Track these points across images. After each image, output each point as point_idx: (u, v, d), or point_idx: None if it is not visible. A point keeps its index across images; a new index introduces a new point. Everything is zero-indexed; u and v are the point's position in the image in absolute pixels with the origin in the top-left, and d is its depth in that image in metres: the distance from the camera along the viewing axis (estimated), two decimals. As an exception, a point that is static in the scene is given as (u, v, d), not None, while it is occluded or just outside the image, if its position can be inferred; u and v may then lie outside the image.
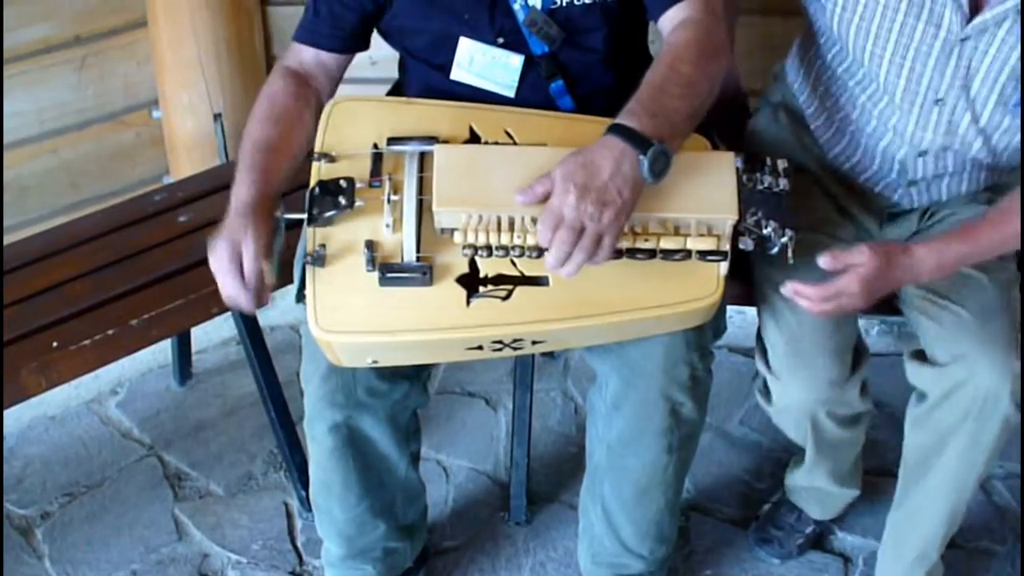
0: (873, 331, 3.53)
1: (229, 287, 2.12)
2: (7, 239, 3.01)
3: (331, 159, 2.20)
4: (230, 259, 2.11)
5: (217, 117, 3.27)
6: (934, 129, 2.35)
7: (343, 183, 2.15)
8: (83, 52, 3.19)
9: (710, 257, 2.11)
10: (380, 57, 3.08)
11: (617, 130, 2.04)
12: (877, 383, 3.34)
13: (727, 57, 2.33)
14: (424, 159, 2.17)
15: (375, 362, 2.23)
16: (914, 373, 2.42)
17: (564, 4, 2.30)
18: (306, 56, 2.42)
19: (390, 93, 2.58)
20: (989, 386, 2.27)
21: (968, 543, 2.88)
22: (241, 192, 2.18)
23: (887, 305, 2.51)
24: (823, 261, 2.12)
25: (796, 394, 2.43)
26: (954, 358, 2.31)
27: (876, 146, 2.46)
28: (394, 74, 2.62)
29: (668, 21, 2.27)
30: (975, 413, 2.30)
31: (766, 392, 2.51)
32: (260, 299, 2.13)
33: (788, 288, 2.16)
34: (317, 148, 2.21)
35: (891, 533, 2.62)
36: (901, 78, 2.32)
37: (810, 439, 2.59)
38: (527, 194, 2.04)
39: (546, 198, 2.02)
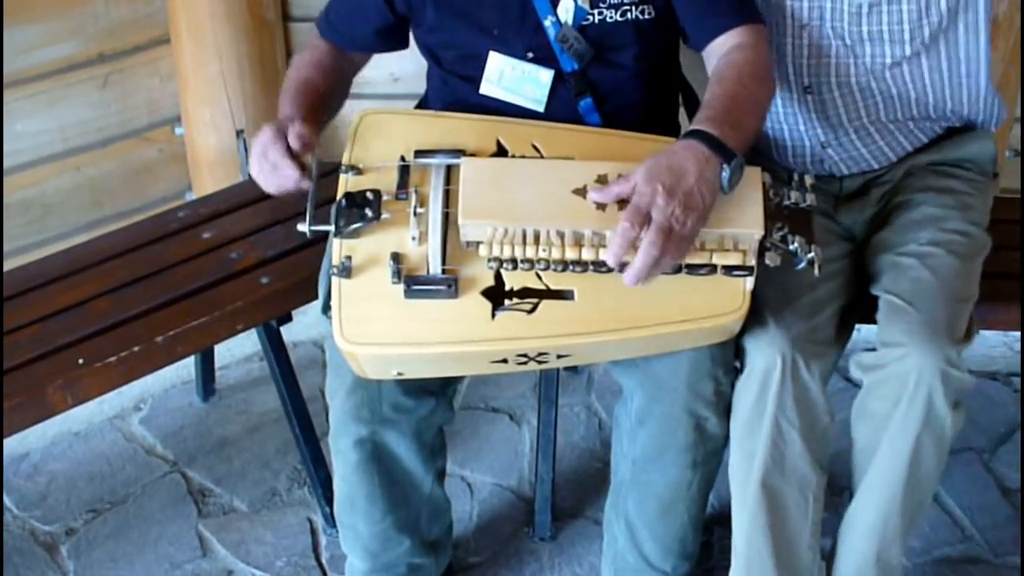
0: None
1: (273, 153, 2.17)
2: (31, 257, 3.02)
3: (358, 171, 2.20)
4: (275, 133, 2.18)
5: (239, 133, 3.28)
6: (807, 56, 2.45)
7: (370, 195, 2.16)
8: (106, 69, 3.20)
9: (736, 272, 2.11)
10: (403, 73, 3.11)
11: (700, 136, 2.04)
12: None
13: (776, 84, 2.36)
14: (451, 172, 2.18)
15: (400, 374, 2.23)
16: (851, 365, 2.39)
17: (596, 21, 2.31)
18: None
19: (417, 107, 2.59)
20: (916, 367, 2.23)
21: (996, 558, 2.87)
22: (285, 111, 2.28)
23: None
24: (592, 195, 2.08)
25: (769, 342, 2.28)
26: (884, 343, 2.30)
27: (776, 103, 2.53)
28: (417, 90, 2.63)
29: (719, 46, 2.30)
30: (904, 398, 2.26)
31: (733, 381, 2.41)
32: (303, 169, 2.17)
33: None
34: (344, 160, 2.22)
35: (836, 556, 2.56)
36: (768, 7, 2.44)
37: (768, 416, 2.34)
38: (603, 193, 2.05)
39: (620, 199, 2.03)
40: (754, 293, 2.16)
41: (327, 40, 2.51)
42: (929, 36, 2.43)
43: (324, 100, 2.38)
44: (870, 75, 2.46)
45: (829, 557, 2.58)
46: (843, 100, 2.50)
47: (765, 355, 2.28)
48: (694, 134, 2.06)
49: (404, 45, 2.52)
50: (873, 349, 2.34)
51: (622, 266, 2.01)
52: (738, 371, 2.37)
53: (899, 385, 2.26)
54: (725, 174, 2.02)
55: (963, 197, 2.52)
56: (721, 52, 2.29)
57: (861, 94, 2.49)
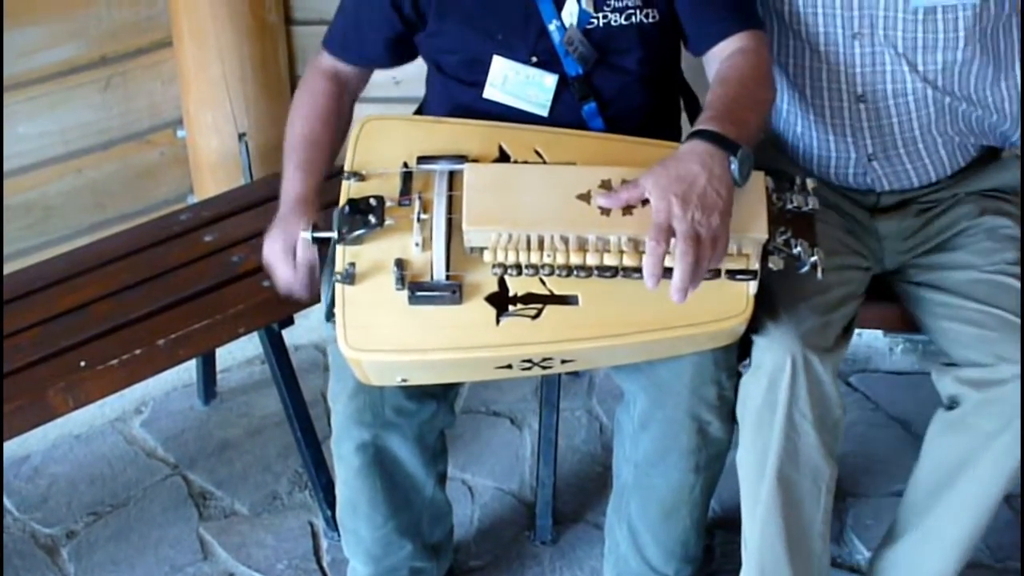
0: (897, 349, 3.52)
1: (283, 275, 2.30)
2: (33, 259, 3.01)
3: (361, 177, 2.20)
4: (284, 250, 2.28)
5: (241, 136, 3.28)
6: (859, 64, 2.44)
7: (373, 201, 2.15)
8: (108, 72, 3.20)
9: (739, 276, 2.10)
10: (404, 77, 3.10)
11: (701, 135, 2.05)
12: (900, 401, 3.36)
13: (776, 90, 2.36)
14: (454, 178, 2.17)
15: (404, 380, 2.23)
16: (948, 380, 2.36)
17: (600, 24, 2.32)
18: (337, 61, 2.51)
19: (416, 112, 2.59)
20: None
21: (997, 563, 2.87)
22: (292, 187, 2.35)
23: (910, 323, 2.53)
24: (600, 201, 2.07)
25: (780, 339, 2.28)
26: (998, 359, 2.27)
27: (824, 114, 2.53)
28: (418, 93, 2.63)
29: (721, 51, 2.30)
30: (1019, 416, 2.25)
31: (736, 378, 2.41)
32: (312, 286, 2.31)
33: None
34: (347, 166, 2.22)
35: (894, 568, 2.54)
36: (819, 18, 2.43)
37: (781, 410, 2.33)
38: (611, 199, 2.05)
39: (629, 205, 2.04)
40: (765, 289, 2.17)
41: (336, 58, 2.50)
42: (979, 38, 2.43)
43: (327, 154, 2.43)
44: (926, 83, 2.46)
45: (875, 561, 2.59)
46: (897, 109, 2.49)
47: (776, 351, 2.27)
48: (696, 135, 2.07)
49: (412, 57, 2.51)
50: (951, 364, 2.36)
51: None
52: (742, 371, 2.37)
53: (1015, 402, 2.24)
54: (734, 166, 2.03)
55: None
56: (722, 57, 2.30)
57: (915, 104, 2.48)
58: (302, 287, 2.30)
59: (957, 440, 2.37)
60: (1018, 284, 2.36)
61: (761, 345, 2.30)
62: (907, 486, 2.50)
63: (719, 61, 2.29)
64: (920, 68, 2.44)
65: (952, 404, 2.37)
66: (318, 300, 2.41)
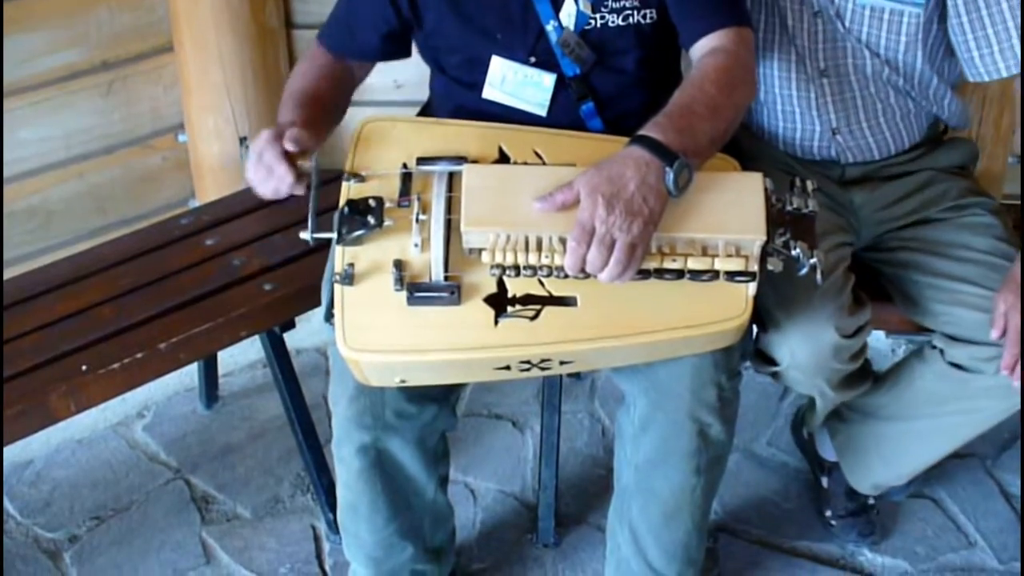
0: (900, 350, 3.52)
1: (269, 156, 2.13)
2: (35, 264, 3.02)
3: (360, 179, 2.20)
4: (272, 136, 2.14)
5: (243, 141, 3.28)
6: (822, 40, 2.50)
7: (372, 203, 2.15)
8: (110, 77, 3.20)
9: (738, 278, 2.10)
10: (405, 80, 3.10)
11: (642, 141, 2.04)
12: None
13: (754, 90, 2.35)
14: (453, 179, 2.17)
15: (403, 381, 2.23)
16: (962, 354, 2.46)
17: (598, 26, 2.32)
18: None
19: (420, 114, 2.59)
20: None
21: (1002, 564, 2.87)
22: (284, 118, 2.28)
23: (913, 324, 2.57)
24: (536, 205, 2.06)
25: (806, 344, 2.39)
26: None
27: (790, 88, 2.58)
28: (419, 97, 2.63)
29: (700, 48, 2.29)
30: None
31: (765, 362, 2.50)
32: (299, 173, 2.14)
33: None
34: (347, 168, 2.22)
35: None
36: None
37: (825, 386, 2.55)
38: (547, 202, 2.05)
39: (565, 207, 2.03)
40: (779, 286, 2.21)
41: (329, 51, 2.50)
42: (923, 49, 2.49)
43: (324, 109, 2.37)
44: (884, 64, 2.51)
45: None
46: (859, 84, 2.55)
47: (806, 351, 2.39)
48: (637, 140, 2.06)
49: (407, 53, 2.51)
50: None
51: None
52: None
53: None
54: (669, 177, 2.02)
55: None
56: (699, 55, 2.29)
57: (875, 79, 2.54)
58: (280, 181, 2.13)
59: (954, 391, 2.51)
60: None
61: (785, 348, 2.38)
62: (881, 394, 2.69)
63: (698, 58, 2.29)
64: (876, 51, 2.50)
65: (956, 365, 2.47)
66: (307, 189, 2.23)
